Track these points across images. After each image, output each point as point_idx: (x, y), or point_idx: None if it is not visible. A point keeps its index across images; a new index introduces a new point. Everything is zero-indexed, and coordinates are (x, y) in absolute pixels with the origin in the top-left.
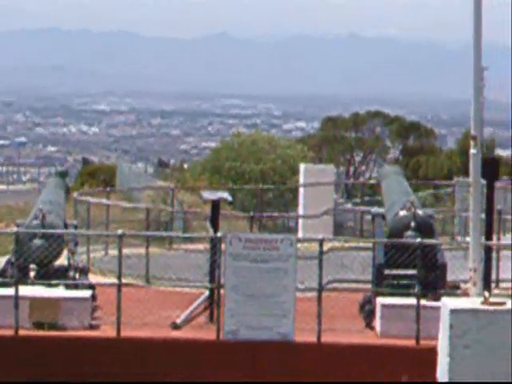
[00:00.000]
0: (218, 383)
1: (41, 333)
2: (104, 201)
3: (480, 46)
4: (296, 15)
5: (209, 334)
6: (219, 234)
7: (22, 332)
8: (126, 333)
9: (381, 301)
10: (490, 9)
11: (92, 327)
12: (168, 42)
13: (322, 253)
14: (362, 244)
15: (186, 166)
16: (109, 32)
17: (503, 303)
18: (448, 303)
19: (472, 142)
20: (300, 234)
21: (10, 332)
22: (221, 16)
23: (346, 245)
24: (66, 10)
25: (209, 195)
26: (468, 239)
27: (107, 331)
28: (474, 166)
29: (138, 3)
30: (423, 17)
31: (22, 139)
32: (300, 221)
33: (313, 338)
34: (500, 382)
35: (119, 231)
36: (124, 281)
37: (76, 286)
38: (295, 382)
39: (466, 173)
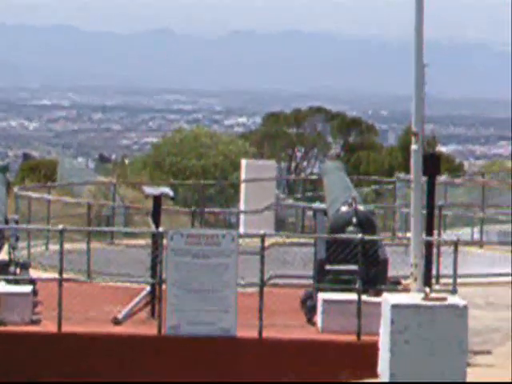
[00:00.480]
0: (159, 382)
1: None
2: (45, 196)
3: (421, 42)
4: (237, 11)
5: (150, 330)
6: (161, 230)
7: None
8: (67, 328)
9: (322, 296)
10: (438, 6)
11: (33, 322)
12: (108, 37)
13: (263, 248)
14: (303, 240)
15: (127, 161)
16: (49, 27)
17: (444, 299)
18: (389, 299)
19: (413, 138)
20: (241, 230)
21: None
22: (163, 11)
23: (288, 240)
24: (2, 4)
25: (150, 190)
26: (409, 235)
27: (48, 326)
28: (415, 161)
29: None
30: (363, 13)
31: None
32: (242, 216)
33: (254, 334)
34: (440, 377)
35: (60, 226)
36: (65, 276)
37: (17, 281)
38: (236, 377)
39: (406, 169)
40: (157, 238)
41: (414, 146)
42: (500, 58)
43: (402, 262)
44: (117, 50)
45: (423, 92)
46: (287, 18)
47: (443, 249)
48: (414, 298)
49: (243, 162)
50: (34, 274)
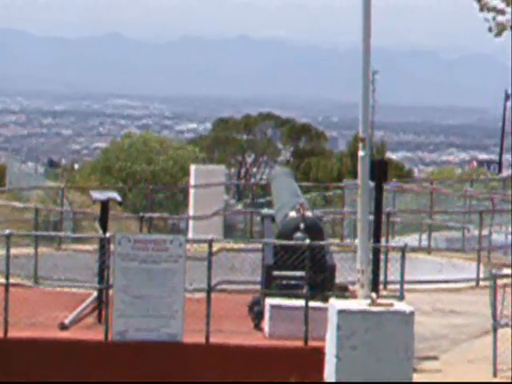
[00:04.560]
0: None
1: None
2: None
3: (369, 48)
4: (187, 16)
5: (97, 335)
6: (108, 235)
7: None
8: (13, 333)
9: (269, 302)
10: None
11: None
12: (57, 41)
13: (211, 254)
14: (251, 245)
15: (76, 166)
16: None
17: (390, 305)
18: (336, 304)
19: (360, 144)
20: (190, 235)
21: None
22: (113, 16)
23: (236, 246)
24: None
25: (98, 195)
26: (357, 241)
27: None
28: (363, 167)
29: (27, 1)
30: (313, 19)
31: None
32: (190, 222)
33: (201, 339)
34: (386, 382)
35: (7, 231)
36: (12, 281)
37: None
38: (183, 382)
39: (355, 175)
40: (104, 243)
41: (361, 152)
42: (447, 65)
43: (349, 268)
44: (65, 55)
45: (373, 99)
46: (236, 23)
47: (391, 255)
48: (360, 303)
49: (192, 167)
50: None
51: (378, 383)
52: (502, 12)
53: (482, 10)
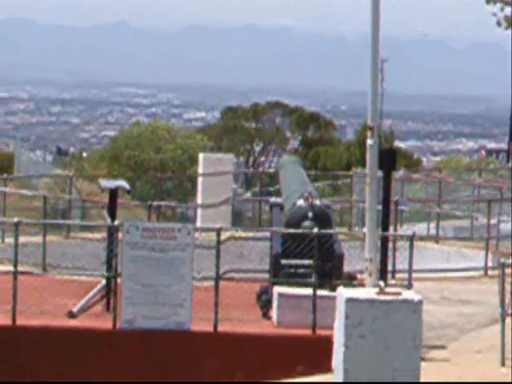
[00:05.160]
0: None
1: None
2: (1, 188)
3: (378, 36)
4: (193, 5)
5: (105, 323)
6: (116, 223)
7: None
8: (22, 321)
9: (277, 290)
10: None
11: None
12: (65, 30)
13: (219, 242)
14: (259, 234)
15: (84, 154)
16: (5, 19)
17: (398, 293)
18: (344, 293)
19: (369, 133)
20: (198, 224)
21: None
22: (119, 5)
23: (244, 234)
24: None
25: (106, 183)
26: (365, 230)
27: (2, 319)
28: (371, 156)
29: None
30: (321, 7)
31: None
32: (199, 210)
33: (209, 328)
34: (394, 371)
35: (15, 219)
36: (20, 269)
37: None
38: (192, 370)
39: (364, 164)
40: (112, 232)
41: (369, 141)
42: (454, 54)
43: (357, 256)
44: (71, 44)
45: (381, 87)
46: (243, 12)
47: (399, 244)
48: (368, 292)
49: (201, 155)
50: None
51: (386, 374)
52: (509, 3)
53: (488, 2)
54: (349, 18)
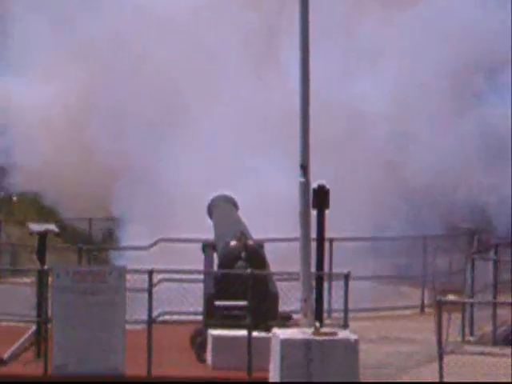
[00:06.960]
0: None
1: None
2: None
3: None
4: None
5: (37, 369)
6: (46, 267)
7: None
8: None
9: (212, 332)
10: None
11: None
12: None
13: (151, 285)
14: (193, 275)
15: (14, 198)
16: None
17: (334, 333)
18: (279, 334)
19: (301, 171)
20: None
21: None
22: None
23: (177, 276)
24: None
25: (35, 227)
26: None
27: None
28: (303, 194)
29: None
30: None
31: None
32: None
33: (143, 372)
34: None
35: None
36: None
37: None
38: None
39: None
40: (42, 276)
41: (301, 179)
42: None
43: (292, 296)
44: None
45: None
46: None
47: (334, 282)
48: (303, 333)
49: None
50: None
51: None
52: None
53: None
54: None
